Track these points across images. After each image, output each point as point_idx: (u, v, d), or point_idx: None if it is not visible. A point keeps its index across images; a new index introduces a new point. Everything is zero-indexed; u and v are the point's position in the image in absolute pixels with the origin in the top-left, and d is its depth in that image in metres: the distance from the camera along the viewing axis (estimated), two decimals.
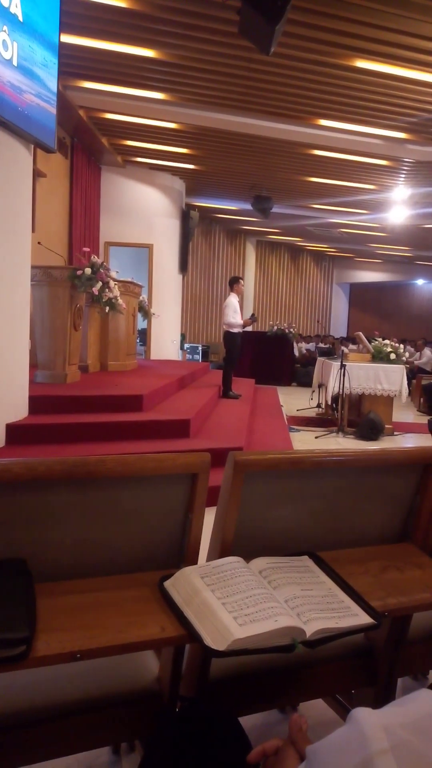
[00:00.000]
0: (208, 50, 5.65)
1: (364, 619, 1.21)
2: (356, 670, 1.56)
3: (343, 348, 9.37)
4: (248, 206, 11.05)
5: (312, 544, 1.47)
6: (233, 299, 7.48)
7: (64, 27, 4.58)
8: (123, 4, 4.94)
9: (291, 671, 1.47)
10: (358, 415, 7.26)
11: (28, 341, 4.66)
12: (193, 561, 1.37)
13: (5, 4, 3.67)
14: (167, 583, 1.25)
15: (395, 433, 7.28)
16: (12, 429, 4.26)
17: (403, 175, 9.22)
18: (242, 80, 6.28)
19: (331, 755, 0.74)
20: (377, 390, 7.14)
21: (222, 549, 1.35)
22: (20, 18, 3.85)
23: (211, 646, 1.08)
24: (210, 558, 1.38)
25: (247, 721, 1.44)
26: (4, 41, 3.69)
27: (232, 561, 1.29)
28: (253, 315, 8.35)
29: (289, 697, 1.62)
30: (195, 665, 1.34)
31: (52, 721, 1.24)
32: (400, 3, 4.67)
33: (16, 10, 3.80)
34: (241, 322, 7.47)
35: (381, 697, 1.53)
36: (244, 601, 1.16)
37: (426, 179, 9.24)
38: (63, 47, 4.63)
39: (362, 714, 0.75)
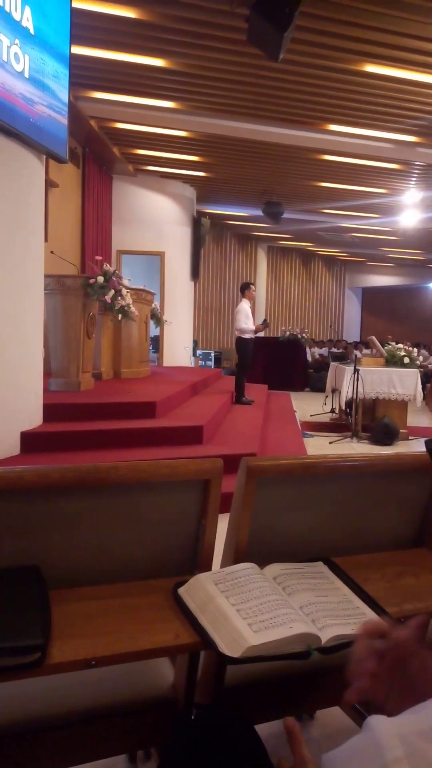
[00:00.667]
0: (218, 58, 5.69)
1: None
2: None
3: (356, 352, 9.33)
4: (259, 212, 11.08)
5: (326, 550, 1.46)
6: (245, 305, 7.49)
7: (75, 39, 4.64)
8: (132, 15, 5.00)
9: (307, 678, 1.46)
10: (372, 419, 7.21)
11: (41, 349, 4.70)
12: (207, 567, 1.36)
13: (17, 18, 3.73)
14: (181, 590, 1.24)
15: (410, 437, 7.22)
16: (26, 437, 4.29)
17: (414, 179, 9.19)
18: (252, 87, 6.31)
19: (346, 764, 0.74)
20: (391, 394, 7.09)
21: (236, 555, 1.35)
22: (31, 31, 3.90)
23: (225, 653, 1.08)
24: (224, 564, 1.38)
25: (263, 730, 1.43)
26: (15, 54, 3.74)
27: (246, 567, 1.28)
28: (265, 320, 8.35)
29: (306, 704, 1.61)
30: (210, 672, 1.33)
31: (67, 729, 1.24)
32: (407, 7, 4.67)
33: (28, 23, 3.86)
34: (253, 327, 7.47)
35: None
36: (259, 608, 1.15)
37: None
38: (74, 58, 4.68)
39: (377, 722, 0.74)
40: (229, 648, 1.08)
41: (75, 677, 1.25)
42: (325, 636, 1.13)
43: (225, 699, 1.35)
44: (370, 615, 1.22)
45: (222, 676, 1.32)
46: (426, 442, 0.73)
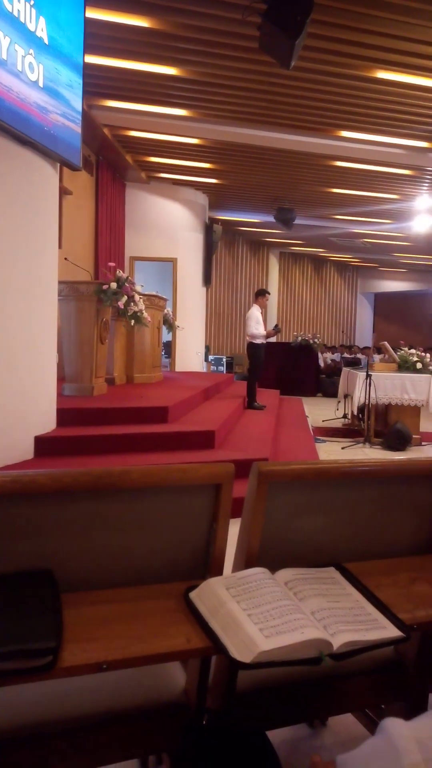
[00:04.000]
0: (230, 66, 5.72)
1: (392, 631, 1.19)
2: (386, 684, 1.53)
3: (374, 356, 9.26)
4: (271, 218, 11.09)
5: (338, 555, 1.45)
6: (255, 311, 7.49)
7: (88, 48, 4.69)
8: (145, 24, 5.04)
9: (319, 685, 1.45)
10: (385, 425, 7.17)
11: (55, 355, 4.73)
12: (218, 572, 1.36)
13: (31, 28, 3.79)
14: (192, 594, 1.24)
15: (423, 443, 7.17)
16: (40, 441, 4.32)
17: (426, 184, 9.15)
18: (263, 94, 6.33)
19: (362, 767, 0.73)
20: (404, 400, 7.05)
21: (247, 560, 1.35)
22: (46, 41, 3.96)
23: (236, 658, 1.08)
24: (235, 569, 1.38)
25: (275, 736, 1.42)
26: (30, 64, 3.80)
27: (258, 572, 1.28)
28: (276, 326, 8.35)
29: (318, 711, 1.60)
30: (222, 677, 1.33)
31: (79, 733, 1.24)
32: (417, 13, 4.67)
33: (42, 33, 3.91)
34: (263, 332, 7.47)
35: (412, 712, 1.49)
36: (270, 613, 1.15)
37: None
38: (87, 67, 4.74)
39: (393, 725, 0.73)
40: (240, 653, 1.08)
41: (86, 681, 1.25)
42: (337, 642, 1.13)
43: (237, 704, 1.35)
44: (382, 621, 1.21)
45: (234, 681, 1.31)
46: None
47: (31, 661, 1.00)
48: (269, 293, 8.00)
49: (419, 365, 7.31)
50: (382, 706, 1.63)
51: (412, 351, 7.60)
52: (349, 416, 8.47)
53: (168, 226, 10.33)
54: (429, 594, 1.36)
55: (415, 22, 4.77)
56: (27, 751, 1.20)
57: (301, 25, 4.07)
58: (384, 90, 6.04)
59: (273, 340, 10.13)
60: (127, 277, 6.05)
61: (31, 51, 3.80)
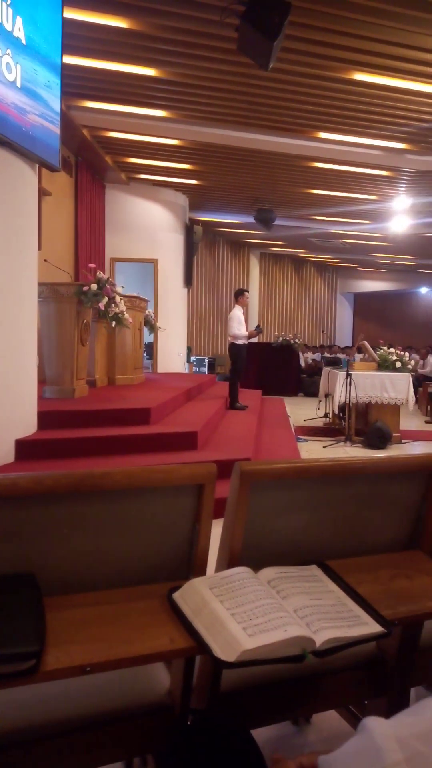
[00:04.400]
0: (208, 68, 5.73)
1: (374, 627, 1.20)
2: (368, 680, 1.55)
3: (356, 356, 9.32)
4: (251, 219, 11.14)
5: (320, 553, 1.47)
6: (237, 311, 7.52)
7: (67, 48, 4.67)
8: (124, 25, 5.03)
9: (302, 682, 1.46)
10: (366, 424, 7.23)
11: (36, 357, 4.69)
12: (202, 572, 1.37)
13: (8, 28, 3.75)
14: (176, 595, 1.25)
15: (403, 441, 7.25)
16: (21, 444, 4.28)
17: (404, 185, 9.26)
18: (242, 96, 6.36)
19: (344, 767, 0.74)
20: (384, 398, 7.12)
21: (230, 559, 1.35)
22: (23, 41, 3.93)
23: (220, 658, 1.08)
24: (218, 569, 1.38)
25: (260, 735, 1.43)
26: (7, 64, 3.76)
27: (240, 571, 1.29)
28: (258, 326, 8.38)
29: (302, 708, 1.61)
30: (206, 677, 1.34)
31: (63, 737, 1.23)
32: (395, 16, 4.73)
33: (19, 33, 3.88)
34: (245, 333, 7.50)
35: (394, 707, 1.51)
36: (253, 612, 1.16)
37: (426, 188, 9.28)
38: (65, 68, 4.71)
39: (374, 724, 0.74)
40: (224, 652, 1.09)
41: (71, 684, 1.25)
42: (320, 639, 1.14)
43: (221, 704, 1.35)
44: (364, 617, 1.23)
45: (218, 680, 1.32)
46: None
47: (14, 666, 1.00)
48: (248, 291, 8.04)
49: (398, 364, 7.39)
50: (365, 702, 1.64)
51: (392, 350, 7.68)
52: (330, 415, 8.54)
53: (148, 227, 10.31)
54: (409, 589, 1.38)
55: (393, 25, 4.83)
56: (10, 755, 1.19)
57: (278, 26, 4.09)
58: (361, 92, 6.10)
59: (254, 340, 10.16)
60: (108, 279, 6.03)
61: (9, 51, 3.77)
